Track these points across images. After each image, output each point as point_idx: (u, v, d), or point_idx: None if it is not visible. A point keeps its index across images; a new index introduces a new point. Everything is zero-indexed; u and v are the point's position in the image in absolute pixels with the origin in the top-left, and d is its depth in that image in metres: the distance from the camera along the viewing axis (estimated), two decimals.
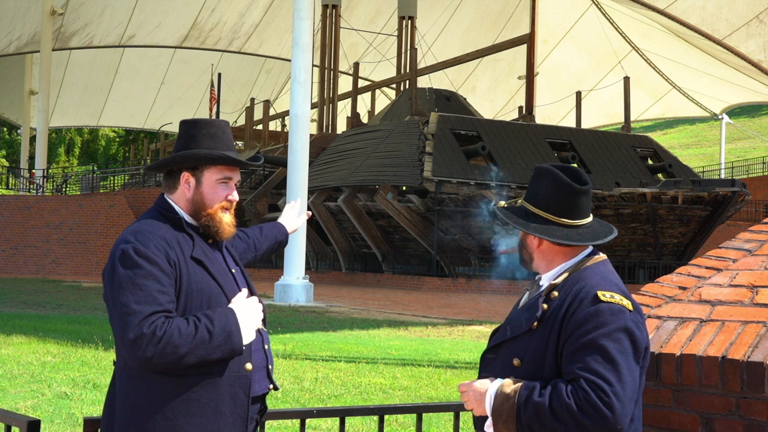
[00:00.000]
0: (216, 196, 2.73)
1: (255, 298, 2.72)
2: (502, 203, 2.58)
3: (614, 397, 2.23)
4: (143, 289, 2.53)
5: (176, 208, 2.75)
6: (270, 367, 2.77)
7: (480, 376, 2.52)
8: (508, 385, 2.33)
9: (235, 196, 2.78)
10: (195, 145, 2.74)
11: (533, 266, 2.56)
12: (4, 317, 14.38)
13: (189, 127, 2.79)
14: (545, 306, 2.41)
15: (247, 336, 2.62)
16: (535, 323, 2.40)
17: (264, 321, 2.82)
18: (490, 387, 2.36)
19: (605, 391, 2.23)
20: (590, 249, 2.55)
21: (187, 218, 2.74)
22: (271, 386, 2.78)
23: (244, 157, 2.88)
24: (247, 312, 2.65)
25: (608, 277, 2.45)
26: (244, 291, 2.73)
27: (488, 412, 2.34)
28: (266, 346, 2.77)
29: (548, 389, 2.28)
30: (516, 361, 2.40)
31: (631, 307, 2.36)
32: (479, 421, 2.45)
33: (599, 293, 2.34)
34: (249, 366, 2.66)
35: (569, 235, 2.47)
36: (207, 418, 2.58)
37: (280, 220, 3.51)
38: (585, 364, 2.27)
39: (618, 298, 2.35)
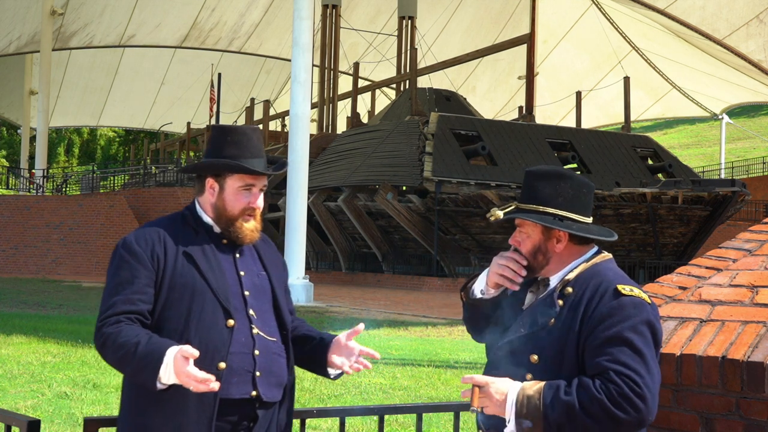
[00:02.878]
0: (238, 203, 2.79)
1: (198, 374, 2.49)
2: (498, 212, 2.51)
3: (645, 388, 2.24)
4: (116, 278, 2.69)
5: (198, 208, 2.85)
6: (257, 374, 2.70)
7: (489, 373, 2.50)
8: (530, 387, 2.30)
9: (257, 203, 2.82)
10: (220, 152, 2.81)
11: (544, 271, 2.52)
12: (4, 317, 14.37)
13: (216, 133, 2.87)
14: (561, 302, 2.42)
15: (167, 378, 2.53)
16: (553, 320, 2.40)
17: (283, 327, 2.82)
18: (510, 390, 2.31)
19: (637, 383, 2.23)
20: (596, 247, 2.55)
21: (205, 218, 2.83)
22: (254, 393, 2.69)
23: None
24: (177, 365, 2.52)
25: (622, 273, 2.48)
26: (193, 354, 2.53)
27: (510, 415, 2.29)
28: (257, 352, 2.71)
29: (574, 386, 2.26)
30: (534, 357, 2.38)
31: (649, 300, 2.38)
32: (492, 421, 2.40)
33: (619, 287, 2.36)
34: (222, 365, 2.64)
35: (599, 232, 2.50)
36: (171, 411, 2.62)
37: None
38: (612, 356, 2.26)
39: (637, 292, 2.37)
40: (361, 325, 2.82)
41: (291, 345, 2.85)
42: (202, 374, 2.51)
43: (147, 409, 2.65)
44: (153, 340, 2.58)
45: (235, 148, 2.80)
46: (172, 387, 2.57)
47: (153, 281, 2.68)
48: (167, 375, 2.54)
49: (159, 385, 2.55)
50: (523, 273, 2.50)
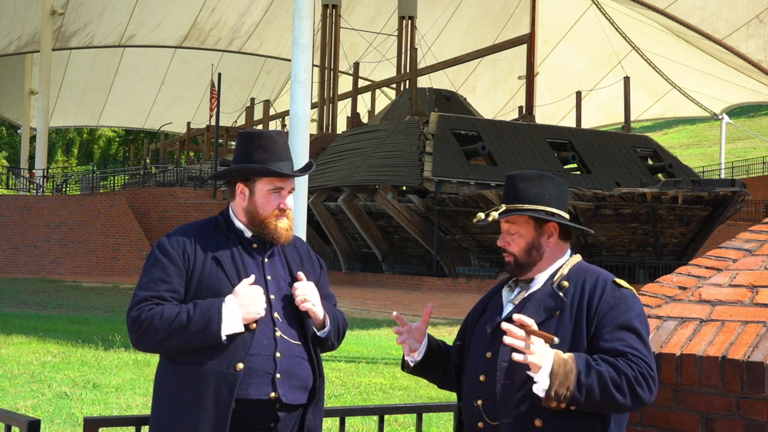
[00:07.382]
0: (269, 205, 2.89)
1: (257, 288, 2.78)
2: (495, 213, 2.66)
3: (655, 372, 2.45)
4: (148, 275, 2.81)
5: (230, 213, 2.95)
6: (278, 376, 2.76)
7: (486, 366, 2.61)
8: (561, 353, 2.43)
9: (287, 204, 2.91)
10: (248, 157, 2.89)
11: (535, 269, 2.65)
12: (4, 317, 14.37)
13: (242, 139, 2.95)
14: (562, 294, 2.57)
15: (230, 327, 2.71)
16: (559, 311, 2.54)
17: (305, 336, 2.85)
18: (548, 349, 2.44)
19: (650, 366, 2.45)
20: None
21: (237, 223, 2.92)
22: (273, 395, 2.75)
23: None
24: (240, 301, 2.74)
25: (605, 270, 2.69)
26: (248, 279, 2.80)
27: (545, 372, 2.39)
28: (278, 355, 2.77)
29: (600, 360, 2.43)
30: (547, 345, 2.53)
31: (636, 291, 2.61)
32: (511, 387, 2.50)
33: (617, 280, 2.58)
34: (240, 366, 2.71)
35: (580, 225, 2.74)
36: (190, 407, 2.70)
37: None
38: (626, 341, 2.46)
39: (628, 285, 2.60)
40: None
41: (317, 348, 2.91)
42: (257, 288, 2.76)
43: (171, 406, 2.75)
44: (201, 302, 2.74)
45: (262, 152, 2.88)
46: (194, 378, 2.69)
47: (184, 280, 2.81)
48: (231, 322, 2.70)
49: (223, 336, 2.70)
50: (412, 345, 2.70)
